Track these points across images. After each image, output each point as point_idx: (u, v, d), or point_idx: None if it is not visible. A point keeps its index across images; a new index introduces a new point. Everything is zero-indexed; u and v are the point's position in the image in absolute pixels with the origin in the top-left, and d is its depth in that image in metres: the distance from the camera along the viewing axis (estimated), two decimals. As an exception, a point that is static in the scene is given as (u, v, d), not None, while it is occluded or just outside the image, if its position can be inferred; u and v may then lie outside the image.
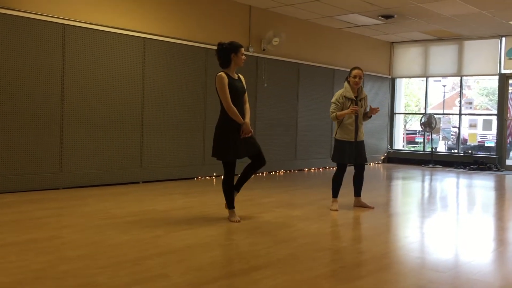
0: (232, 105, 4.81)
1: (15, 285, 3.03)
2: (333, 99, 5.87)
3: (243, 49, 4.97)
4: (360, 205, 6.07)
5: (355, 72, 5.83)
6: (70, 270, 3.33)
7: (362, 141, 5.96)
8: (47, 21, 6.59)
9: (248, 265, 3.65)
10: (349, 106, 5.76)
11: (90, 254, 3.72)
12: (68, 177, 6.89)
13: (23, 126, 6.44)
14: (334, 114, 5.80)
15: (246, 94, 5.05)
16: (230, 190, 5.02)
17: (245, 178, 5.12)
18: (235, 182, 5.09)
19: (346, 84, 5.90)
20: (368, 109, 5.96)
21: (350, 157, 5.86)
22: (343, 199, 6.20)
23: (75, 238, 4.18)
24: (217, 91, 4.87)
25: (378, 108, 5.92)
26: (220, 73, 4.87)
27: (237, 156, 4.90)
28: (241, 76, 5.08)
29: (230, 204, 5.06)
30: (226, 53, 4.88)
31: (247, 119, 4.93)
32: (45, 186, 6.65)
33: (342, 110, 5.78)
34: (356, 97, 5.83)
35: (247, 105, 5.04)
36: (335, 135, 5.92)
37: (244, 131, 4.86)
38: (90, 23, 7.02)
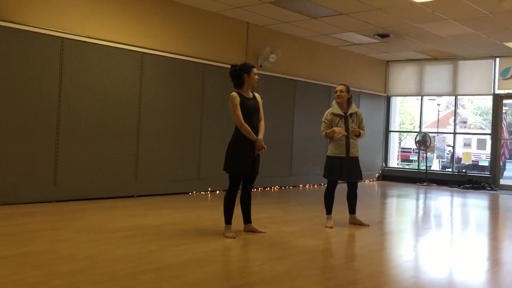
0: (243, 123, 4.98)
1: (8, 299, 3.00)
2: (323, 118, 5.93)
3: (255, 69, 5.16)
4: (354, 222, 6.07)
5: (337, 87, 5.98)
6: (64, 285, 3.30)
7: (357, 158, 5.93)
8: (45, 34, 6.62)
9: (242, 281, 3.64)
10: (338, 122, 5.81)
11: (84, 269, 3.69)
12: (62, 190, 6.86)
13: (18, 138, 6.42)
14: (324, 132, 5.87)
15: (261, 112, 5.23)
16: (230, 205, 5.09)
17: (248, 207, 5.31)
18: (243, 217, 5.33)
19: (333, 102, 6.00)
20: (362, 124, 5.98)
21: (340, 173, 5.83)
22: (338, 216, 6.21)
23: (69, 253, 4.16)
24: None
25: (355, 129, 5.81)
26: (232, 93, 5.06)
27: (245, 173, 5.04)
28: (257, 95, 5.28)
29: (227, 219, 5.09)
30: (239, 74, 5.07)
31: (260, 136, 5.11)
32: (39, 199, 6.62)
33: (331, 127, 5.83)
34: (345, 113, 5.88)
35: (262, 122, 5.23)
36: (327, 151, 5.95)
37: (257, 147, 5.07)
38: (88, 37, 7.06)
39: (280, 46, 9.77)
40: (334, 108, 5.92)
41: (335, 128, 5.78)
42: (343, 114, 5.87)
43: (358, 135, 5.90)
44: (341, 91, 5.91)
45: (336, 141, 5.83)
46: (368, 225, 6.02)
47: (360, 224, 6.04)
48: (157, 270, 3.75)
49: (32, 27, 6.50)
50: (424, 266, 4.45)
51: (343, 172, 5.83)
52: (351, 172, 5.87)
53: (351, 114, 5.90)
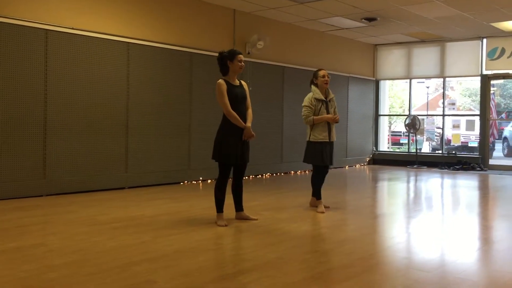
0: (231, 110, 4.94)
1: (1, 294, 2.99)
2: (305, 103, 5.91)
3: (240, 56, 5.08)
4: (314, 205, 6.04)
5: (322, 72, 5.96)
6: (57, 278, 3.30)
7: (333, 143, 6.02)
8: (29, 26, 6.53)
9: (235, 269, 3.65)
10: (320, 107, 5.82)
11: (76, 261, 3.69)
12: (52, 184, 6.82)
13: (5, 132, 6.37)
14: (310, 117, 5.83)
15: (248, 100, 5.18)
16: (221, 194, 5.09)
17: (239, 195, 5.30)
18: (234, 205, 5.33)
19: (313, 87, 5.98)
20: (336, 110, 6.04)
21: (327, 157, 5.89)
22: (329, 201, 6.23)
23: (61, 246, 4.14)
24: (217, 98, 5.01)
25: (337, 117, 5.90)
26: (219, 81, 5.02)
27: (235, 161, 5.00)
28: (243, 82, 5.24)
29: (219, 208, 5.09)
30: (224, 60, 5.02)
31: (249, 124, 5.07)
32: (29, 193, 6.58)
33: (314, 112, 5.82)
34: (325, 98, 5.91)
35: (250, 110, 5.19)
36: (309, 138, 5.93)
37: (246, 134, 5.03)
38: (73, 28, 6.98)
39: (268, 32, 9.71)
40: (316, 93, 5.92)
41: (325, 116, 5.78)
42: (324, 99, 5.89)
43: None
44: (328, 76, 5.94)
45: (320, 126, 5.85)
46: (328, 207, 5.97)
47: (323, 206, 5.97)
48: (150, 260, 3.75)
49: (14, 19, 6.40)
50: (415, 247, 4.49)
51: (327, 157, 5.90)
52: (332, 157, 5.98)
53: (330, 100, 5.94)
